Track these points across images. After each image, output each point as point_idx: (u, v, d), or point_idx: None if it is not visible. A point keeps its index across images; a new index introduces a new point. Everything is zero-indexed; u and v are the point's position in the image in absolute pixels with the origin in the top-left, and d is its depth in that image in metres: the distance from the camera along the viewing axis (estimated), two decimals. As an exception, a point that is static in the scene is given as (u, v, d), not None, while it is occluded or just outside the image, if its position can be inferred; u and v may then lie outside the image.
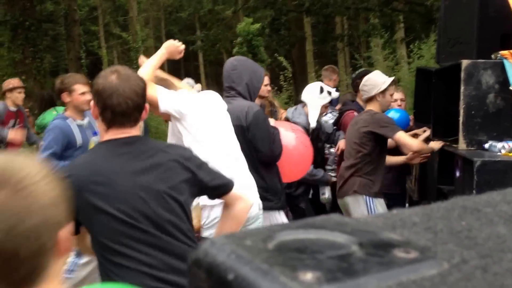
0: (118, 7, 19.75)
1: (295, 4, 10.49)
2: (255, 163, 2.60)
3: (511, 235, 0.32)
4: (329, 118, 4.03)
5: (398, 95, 3.82)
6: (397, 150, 3.38)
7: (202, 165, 1.58)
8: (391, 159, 3.33)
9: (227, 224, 1.67)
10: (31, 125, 5.08)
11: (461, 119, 2.58)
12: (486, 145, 2.53)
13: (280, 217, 2.74)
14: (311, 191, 3.70)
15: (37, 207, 0.72)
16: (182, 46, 2.33)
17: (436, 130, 3.20)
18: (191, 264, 0.32)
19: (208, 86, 23.31)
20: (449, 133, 2.88)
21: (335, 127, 3.87)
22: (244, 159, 2.36)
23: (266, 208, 2.63)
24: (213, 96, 2.39)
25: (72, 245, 0.80)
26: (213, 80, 26.89)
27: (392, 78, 3.16)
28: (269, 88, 3.98)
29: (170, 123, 2.34)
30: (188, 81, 5.36)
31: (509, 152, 2.40)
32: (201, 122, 2.18)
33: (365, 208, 3.02)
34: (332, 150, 3.83)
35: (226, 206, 1.68)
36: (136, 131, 1.52)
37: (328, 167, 3.82)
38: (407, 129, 3.53)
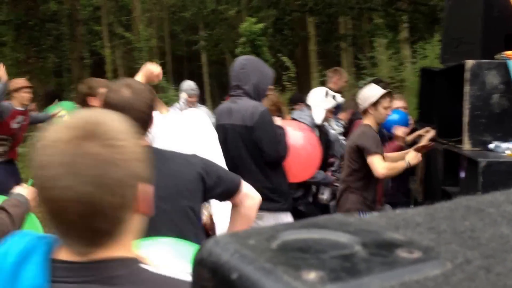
0: (122, 7, 19.78)
1: (298, 4, 10.48)
2: (261, 164, 2.60)
3: (515, 235, 0.32)
4: (337, 127, 4.00)
5: (399, 103, 3.79)
6: None
7: (211, 171, 1.58)
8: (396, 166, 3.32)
9: (237, 223, 1.67)
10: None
11: (465, 119, 2.57)
12: (491, 146, 2.52)
13: (287, 219, 2.73)
14: (313, 193, 3.69)
15: (123, 161, 0.74)
16: (158, 70, 2.26)
17: (440, 131, 3.19)
18: (195, 263, 0.32)
19: (211, 86, 23.33)
20: (453, 134, 2.87)
21: (343, 138, 3.82)
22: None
23: (273, 209, 2.62)
24: (192, 116, 2.41)
25: (149, 207, 0.80)
26: (216, 80, 26.91)
27: (384, 91, 3.09)
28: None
29: None
30: (189, 83, 5.37)
31: (514, 153, 2.39)
32: (168, 143, 2.18)
33: None
34: (333, 159, 3.79)
35: (234, 205, 1.67)
36: (145, 141, 1.55)
37: (331, 168, 3.81)
38: (409, 130, 3.51)
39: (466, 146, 2.59)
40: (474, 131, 2.57)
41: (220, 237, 0.32)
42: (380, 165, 2.89)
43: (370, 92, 3.10)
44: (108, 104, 1.48)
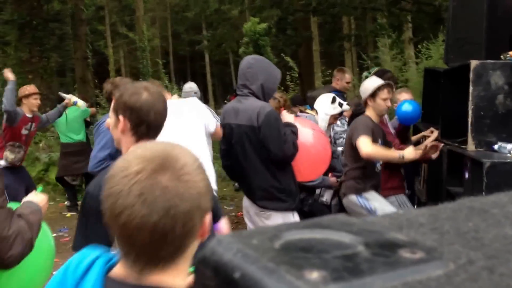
0: (125, 6, 19.84)
1: (302, 3, 10.47)
2: (268, 164, 2.59)
3: (518, 236, 0.32)
4: (340, 126, 3.99)
5: (406, 96, 3.80)
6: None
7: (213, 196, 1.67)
8: (388, 153, 3.29)
9: None
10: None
11: (470, 120, 2.56)
12: (495, 146, 2.51)
13: (294, 219, 2.72)
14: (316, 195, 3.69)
15: (193, 193, 0.80)
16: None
17: (444, 131, 3.18)
18: (198, 262, 0.32)
19: (213, 85, 23.34)
20: (458, 134, 2.86)
21: (341, 149, 3.81)
22: (209, 157, 2.49)
23: (281, 209, 2.62)
24: (185, 102, 2.52)
25: (207, 234, 0.86)
26: (219, 79, 26.92)
27: (382, 82, 3.14)
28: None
29: None
30: (191, 85, 5.40)
31: (518, 153, 2.38)
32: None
33: (359, 206, 3.11)
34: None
35: None
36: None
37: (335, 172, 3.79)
38: (413, 131, 3.51)
39: (471, 146, 2.57)
40: (478, 132, 2.56)
41: (223, 236, 0.32)
42: (365, 145, 2.93)
43: (369, 84, 3.18)
44: (129, 106, 1.52)
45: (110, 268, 0.85)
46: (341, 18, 13.26)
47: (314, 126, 3.19)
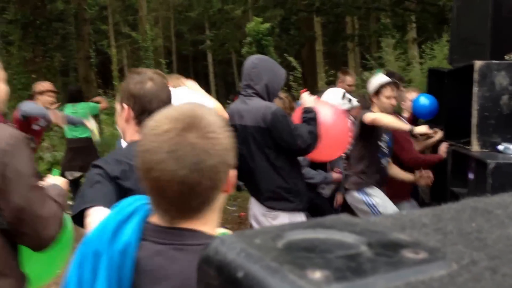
0: (128, 6, 19.87)
1: (305, 3, 10.45)
2: (275, 164, 2.58)
3: (522, 237, 0.32)
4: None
5: (415, 95, 3.78)
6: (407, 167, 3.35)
7: None
8: (399, 174, 3.32)
9: None
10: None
11: (474, 120, 2.55)
12: (500, 147, 2.50)
13: (301, 219, 2.71)
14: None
15: (218, 149, 0.87)
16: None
17: (448, 132, 3.18)
18: (201, 261, 0.32)
19: (216, 85, 23.35)
20: (462, 135, 2.85)
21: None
22: None
23: (288, 209, 2.61)
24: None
25: (232, 188, 0.95)
26: (222, 79, 26.93)
27: (385, 80, 3.15)
28: None
29: None
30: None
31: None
32: None
33: (361, 201, 3.14)
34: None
35: None
36: None
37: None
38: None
39: (475, 147, 2.56)
40: (482, 133, 2.54)
41: (226, 236, 0.33)
42: (370, 114, 3.01)
43: (373, 82, 3.22)
44: (132, 95, 1.55)
45: (148, 216, 0.94)
46: (344, 18, 13.23)
47: (333, 106, 3.05)
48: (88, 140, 5.75)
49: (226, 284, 0.29)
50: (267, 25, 10.84)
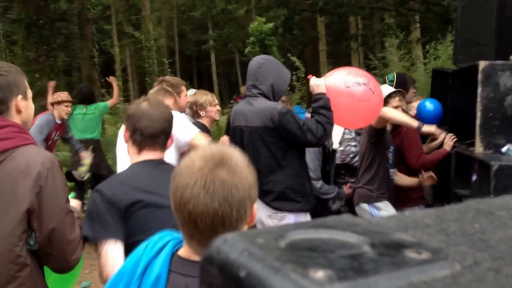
0: (131, 6, 19.90)
1: (308, 3, 10.45)
2: (282, 165, 2.57)
3: (525, 238, 0.32)
4: (347, 133, 3.91)
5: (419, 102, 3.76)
6: (412, 170, 3.33)
7: None
8: (405, 181, 3.29)
9: None
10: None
11: (478, 121, 2.53)
12: (504, 149, 2.49)
13: (307, 220, 2.71)
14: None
15: (245, 185, 0.96)
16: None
17: (452, 133, 3.16)
18: (204, 260, 0.32)
19: (219, 85, 23.35)
20: (466, 136, 2.83)
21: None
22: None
23: (294, 209, 2.60)
24: None
25: (254, 220, 1.03)
26: (225, 79, 26.94)
27: (390, 91, 3.12)
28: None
29: None
30: (193, 92, 5.40)
31: (526, 155, 2.35)
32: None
33: (369, 214, 3.11)
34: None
35: None
36: (162, 155, 1.65)
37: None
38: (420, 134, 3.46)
39: (478, 149, 2.55)
40: (486, 134, 2.53)
41: (229, 235, 0.33)
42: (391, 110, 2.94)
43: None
44: (127, 115, 1.63)
45: (178, 250, 1.03)
46: (348, 18, 13.21)
47: (366, 74, 2.89)
48: (95, 141, 5.79)
49: (229, 283, 0.29)
50: (270, 25, 10.84)
